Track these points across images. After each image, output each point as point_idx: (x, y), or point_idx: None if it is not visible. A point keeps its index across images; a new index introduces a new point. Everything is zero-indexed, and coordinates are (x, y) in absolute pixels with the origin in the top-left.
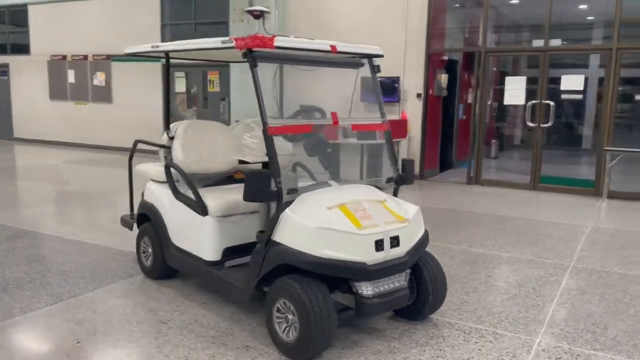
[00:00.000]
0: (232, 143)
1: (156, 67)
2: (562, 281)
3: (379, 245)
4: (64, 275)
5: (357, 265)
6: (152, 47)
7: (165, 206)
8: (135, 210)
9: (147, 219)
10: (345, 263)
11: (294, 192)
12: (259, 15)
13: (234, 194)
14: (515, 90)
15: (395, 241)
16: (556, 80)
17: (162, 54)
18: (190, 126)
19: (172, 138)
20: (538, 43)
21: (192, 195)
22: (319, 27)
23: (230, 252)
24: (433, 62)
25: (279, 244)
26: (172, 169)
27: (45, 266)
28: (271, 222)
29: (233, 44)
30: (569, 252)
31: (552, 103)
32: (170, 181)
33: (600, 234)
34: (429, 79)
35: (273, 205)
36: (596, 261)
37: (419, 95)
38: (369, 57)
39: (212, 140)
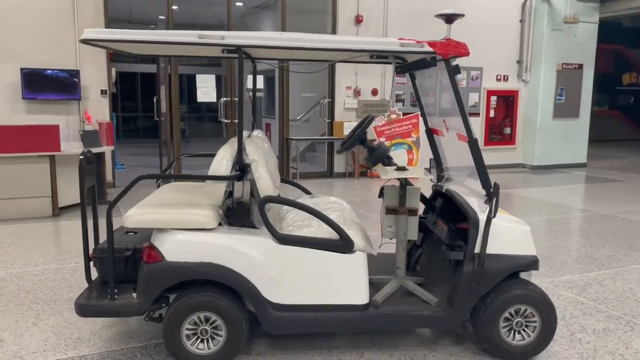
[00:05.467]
0: (273, 162)
1: None
2: None
3: None
4: None
5: None
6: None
7: (252, 258)
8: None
9: (185, 286)
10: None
11: None
12: (451, 19)
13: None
14: (206, 88)
15: None
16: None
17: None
18: (253, 145)
19: (242, 167)
20: None
21: (309, 233)
22: None
23: None
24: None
25: (496, 255)
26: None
27: None
28: (476, 237)
29: (427, 49)
30: None
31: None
32: (268, 222)
33: None
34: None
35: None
36: None
37: (103, 92)
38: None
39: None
